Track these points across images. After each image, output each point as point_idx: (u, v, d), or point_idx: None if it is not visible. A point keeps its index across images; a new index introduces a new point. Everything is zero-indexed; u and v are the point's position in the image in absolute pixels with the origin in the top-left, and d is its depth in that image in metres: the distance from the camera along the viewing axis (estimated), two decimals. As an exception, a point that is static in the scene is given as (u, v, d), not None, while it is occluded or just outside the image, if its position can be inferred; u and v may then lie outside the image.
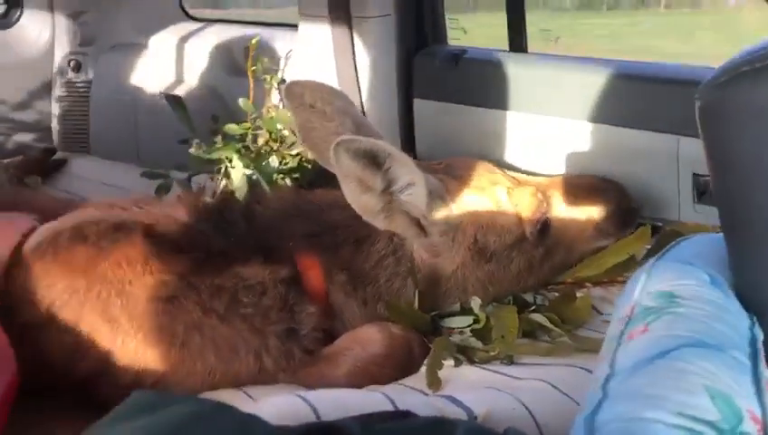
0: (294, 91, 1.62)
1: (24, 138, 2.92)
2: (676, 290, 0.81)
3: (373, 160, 1.37)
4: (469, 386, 1.25)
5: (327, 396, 1.05)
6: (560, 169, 1.90)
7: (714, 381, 0.67)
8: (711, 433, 0.64)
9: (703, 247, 0.94)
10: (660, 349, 0.72)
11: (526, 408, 1.13)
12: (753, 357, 0.74)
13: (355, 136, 1.41)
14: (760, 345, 0.77)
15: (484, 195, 1.52)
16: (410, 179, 1.40)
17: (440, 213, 1.47)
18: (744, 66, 0.77)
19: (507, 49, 2.12)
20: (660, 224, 1.77)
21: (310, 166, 1.86)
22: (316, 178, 1.65)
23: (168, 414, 0.70)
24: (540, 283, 1.59)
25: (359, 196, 1.39)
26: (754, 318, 0.80)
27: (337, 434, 0.76)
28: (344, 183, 1.38)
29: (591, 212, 1.62)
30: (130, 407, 0.74)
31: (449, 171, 1.55)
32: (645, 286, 0.86)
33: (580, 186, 1.64)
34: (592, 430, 0.65)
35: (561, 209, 1.59)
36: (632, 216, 1.68)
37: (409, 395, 1.22)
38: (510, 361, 1.36)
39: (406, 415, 0.93)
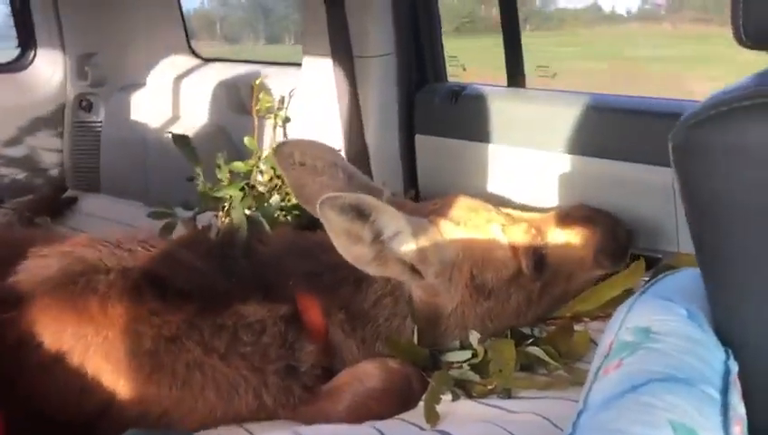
0: (284, 152, 1.66)
1: (35, 177, 2.99)
2: (653, 326, 0.84)
3: (360, 213, 1.40)
4: (465, 420, 1.26)
5: (320, 431, 1.07)
6: (558, 203, 1.92)
7: (678, 414, 0.69)
8: None
9: (685, 283, 0.97)
10: (630, 384, 0.74)
11: (519, 442, 1.14)
12: (725, 391, 0.75)
13: (339, 193, 1.44)
14: (733, 378, 0.78)
15: (478, 233, 1.54)
16: (396, 228, 1.43)
17: (433, 255, 1.49)
18: (714, 109, 0.80)
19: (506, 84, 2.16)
20: (659, 256, 1.78)
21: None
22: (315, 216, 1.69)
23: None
24: (539, 316, 1.61)
25: (349, 247, 1.42)
26: (730, 351, 0.82)
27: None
28: (334, 237, 1.41)
29: (585, 243, 1.64)
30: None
31: (443, 211, 1.58)
32: (624, 322, 0.88)
33: (572, 218, 1.66)
34: (560, 464, 0.67)
35: (556, 243, 1.61)
36: (625, 244, 1.70)
37: (404, 429, 1.23)
38: (507, 394, 1.38)
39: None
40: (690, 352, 0.79)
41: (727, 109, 0.79)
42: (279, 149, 1.67)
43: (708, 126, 0.80)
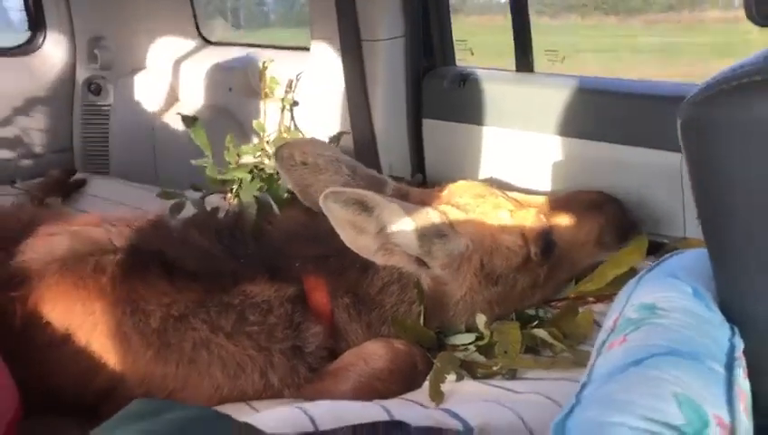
0: (284, 154, 1.66)
1: (46, 159, 3.00)
2: (658, 302, 0.84)
3: (364, 206, 1.41)
4: (469, 399, 1.26)
5: (325, 407, 1.07)
6: (566, 187, 1.92)
7: (683, 387, 0.69)
8: None
9: (691, 262, 0.96)
10: (635, 357, 0.74)
11: (522, 420, 1.14)
12: (729, 367, 0.75)
13: (341, 188, 1.46)
14: (738, 355, 0.78)
15: (487, 220, 1.54)
16: (399, 224, 1.44)
17: (439, 249, 1.49)
18: (722, 84, 0.80)
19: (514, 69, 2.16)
20: (666, 241, 1.78)
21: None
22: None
23: (168, 418, 0.73)
24: (543, 298, 1.61)
25: (355, 238, 1.44)
26: (735, 329, 0.82)
27: (331, 442, 0.78)
28: (338, 229, 1.42)
29: (592, 227, 1.64)
30: (133, 412, 0.77)
31: (450, 200, 1.58)
32: (630, 299, 0.88)
33: (578, 202, 1.67)
34: (562, 433, 0.67)
35: (563, 227, 1.61)
36: (631, 227, 1.70)
37: (408, 408, 1.24)
38: (512, 375, 1.38)
39: (400, 425, 0.96)
40: (695, 328, 0.79)
41: (736, 84, 0.78)
42: (279, 153, 1.68)
43: (717, 102, 0.80)
